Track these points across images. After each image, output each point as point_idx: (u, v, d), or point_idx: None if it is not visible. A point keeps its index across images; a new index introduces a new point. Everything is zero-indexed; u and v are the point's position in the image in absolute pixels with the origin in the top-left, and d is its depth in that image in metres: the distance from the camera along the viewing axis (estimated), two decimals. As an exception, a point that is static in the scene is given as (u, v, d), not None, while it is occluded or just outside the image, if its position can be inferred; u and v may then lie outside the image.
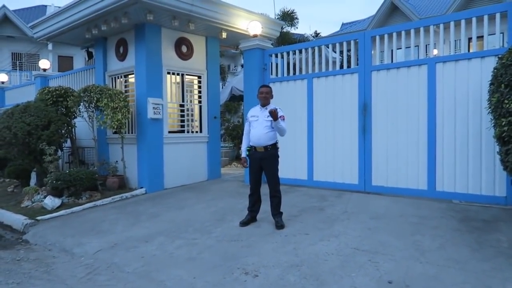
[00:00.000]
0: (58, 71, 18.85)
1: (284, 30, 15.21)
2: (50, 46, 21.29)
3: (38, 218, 5.90)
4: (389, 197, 5.91)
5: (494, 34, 5.36)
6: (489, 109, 4.34)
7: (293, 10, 16.82)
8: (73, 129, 8.48)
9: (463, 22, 5.55)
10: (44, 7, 24.53)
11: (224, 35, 8.20)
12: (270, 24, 8.75)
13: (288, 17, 16.59)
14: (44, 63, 11.26)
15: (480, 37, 5.62)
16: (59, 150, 8.29)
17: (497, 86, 4.16)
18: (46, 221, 5.84)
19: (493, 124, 4.32)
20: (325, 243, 4.10)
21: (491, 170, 5.26)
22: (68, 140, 8.54)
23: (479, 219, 4.64)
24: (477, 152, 5.37)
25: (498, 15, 5.27)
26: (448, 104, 5.62)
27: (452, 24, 5.67)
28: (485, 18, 5.36)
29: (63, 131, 7.81)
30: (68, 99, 7.82)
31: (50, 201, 6.46)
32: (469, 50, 5.84)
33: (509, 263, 3.38)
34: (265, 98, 4.84)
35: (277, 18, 15.16)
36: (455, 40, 6.01)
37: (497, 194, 5.24)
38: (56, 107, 7.92)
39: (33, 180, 8.44)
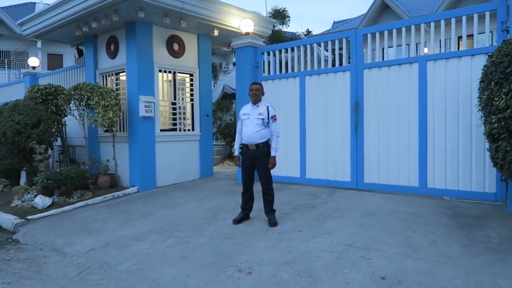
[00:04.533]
0: (48, 69, 18.63)
1: (276, 28, 15.21)
2: (39, 44, 21.04)
3: (29, 217, 5.83)
4: (381, 194, 5.95)
5: (484, 32, 5.41)
6: (479, 107, 4.39)
7: (285, 8, 16.84)
8: (63, 128, 8.40)
9: (453, 20, 5.61)
10: (32, 4, 24.24)
11: (216, 33, 8.18)
12: (262, 22, 8.74)
13: (280, 15, 16.59)
14: (33, 61, 11.10)
15: (470, 36, 5.67)
16: (49, 149, 8.19)
17: (487, 83, 4.21)
18: (37, 221, 5.77)
19: (483, 121, 4.37)
20: (318, 240, 4.11)
21: (481, 167, 5.33)
22: (59, 139, 8.45)
23: (469, 215, 4.69)
24: (467, 149, 5.43)
25: (487, 14, 5.33)
26: (439, 101, 5.67)
27: (442, 22, 5.72)
28: (475, 16, 5.41)
29: (53, 130, 7.73)
30: (58, 97, 7.74)
31: (41, 201, 6.39)
32: (459, 49, 5.90)
33: (498, 259, 3.43)
34: (255, 94, 4.83)
35: (269, 16, 15.14)
36: (446, 39, 6.04)
37: (487, 191, 5.30)
38: (46, 105, 7.83)
39: (22, 180, 8.34)
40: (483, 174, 5.32)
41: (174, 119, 8.23)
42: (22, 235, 5.27)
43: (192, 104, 8.57)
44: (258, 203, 5.00)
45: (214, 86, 12.93)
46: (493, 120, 4.05)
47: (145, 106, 7.39)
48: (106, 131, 7.89)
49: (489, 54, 4.48)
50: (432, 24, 5.82)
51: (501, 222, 4.40)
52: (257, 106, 4.82)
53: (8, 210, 6.34)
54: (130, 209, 6.09)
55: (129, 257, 4.08)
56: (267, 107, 4.79)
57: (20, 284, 3.61)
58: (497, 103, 3.98)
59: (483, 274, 3.16)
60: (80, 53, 9.77)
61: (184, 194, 6.98)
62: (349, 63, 6.65)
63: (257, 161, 4.78)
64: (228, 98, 12.61)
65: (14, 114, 7.06)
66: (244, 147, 4.85)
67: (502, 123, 3.98)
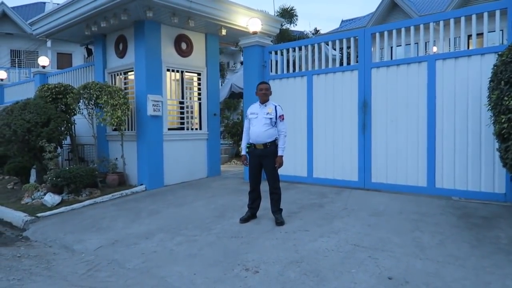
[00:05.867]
0: (57, 68, 18.81)
1: (284, 27, 15.18)
2: (49, 43, 21.27)
3: (38, 215, 5.91)
4: (389, 194, 5.93)
5: (494, 31, 5.35)
6: (489, 106, 4.34)
7: (293, 7, 16.80)
8: (72, 126, 8.48)
9: (463, 19, 5.56)
10: (42, 4, 24.48)
11: (223, 32, 8.20)
12: (270, 21, 8.74)
13: (288, 14, 16.56)
14: (43, 60, 11.21)
15: (480, 34, 5.62)
16: (59, 147, 8.29)
17: (497, 83, 4.16)
18: (46, 218, 5.84)
19: (492, 121, 4.33)
20: (325, 239, 4.11)
21: (490, 167, 5.28)
22: (68, 137, 8.54)
23: (478, 215, 4.65)
24: (477, 149, 5.38)
25: (498, 12, 5.27)
26: (448, 101, 5.62)
27: (452, 21, 5.66)
28: (485, 15, 5.35)
29: (62, 128, 7.81)
30: (67, 96, 7.81)
31: (50, 198, 6.46)
32: (468, 47, 5.84)
33: (508, 260, 3.40)
34: (264, 94, 4.83)
35: (277, 15, 15.13)
36: (455, 37, 5.99)
37: (497, 191, 5.25)
38: (55, 104, 7.92)
39: (32, 177, 8.44)
40: (492, 174, 5.27)
41: (182, 118, 8.27)
42: (32, 232, 5.35)
43: (200, 103, 8.60)
44: (265, 202, 5.01)
45: (221, 85, 12.96)
46: (503, 120, 4.00)
47: (153, 105, 7.43)
48: (115, 129, 7.95)
49: (499, 53, 4.43)
50: (442, 22, 5.77)
51: (510, 222, 4.36)
52: (265, 105, 4.82)
53: (18, 208, 6.43)
54: (138, 207, 6.14)
55: (137, 255, 4.12)
56: (275, 106, 4.79)
57: (30, 281, 3.66)
58: (507, 102, 3.93)
59: (492, 275, 3.14)
60: (89, 52, 9.86)
61: (191, 192, 7.01)
62: (357, 62, 6.63)
63: (265, 160, 4.78)
64: (235, 97, 12.63)
65: (25, 112, 7.14)
66: (251, 146, 4.86)
67: (512, 123, 3.94)
